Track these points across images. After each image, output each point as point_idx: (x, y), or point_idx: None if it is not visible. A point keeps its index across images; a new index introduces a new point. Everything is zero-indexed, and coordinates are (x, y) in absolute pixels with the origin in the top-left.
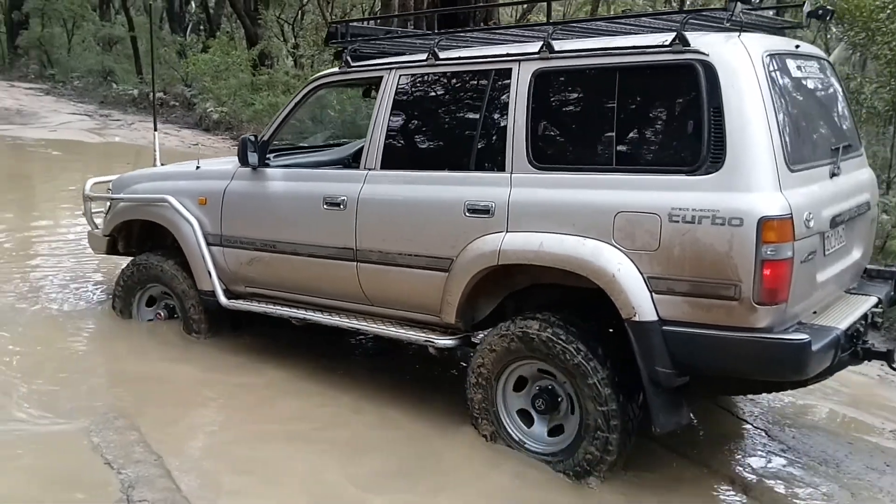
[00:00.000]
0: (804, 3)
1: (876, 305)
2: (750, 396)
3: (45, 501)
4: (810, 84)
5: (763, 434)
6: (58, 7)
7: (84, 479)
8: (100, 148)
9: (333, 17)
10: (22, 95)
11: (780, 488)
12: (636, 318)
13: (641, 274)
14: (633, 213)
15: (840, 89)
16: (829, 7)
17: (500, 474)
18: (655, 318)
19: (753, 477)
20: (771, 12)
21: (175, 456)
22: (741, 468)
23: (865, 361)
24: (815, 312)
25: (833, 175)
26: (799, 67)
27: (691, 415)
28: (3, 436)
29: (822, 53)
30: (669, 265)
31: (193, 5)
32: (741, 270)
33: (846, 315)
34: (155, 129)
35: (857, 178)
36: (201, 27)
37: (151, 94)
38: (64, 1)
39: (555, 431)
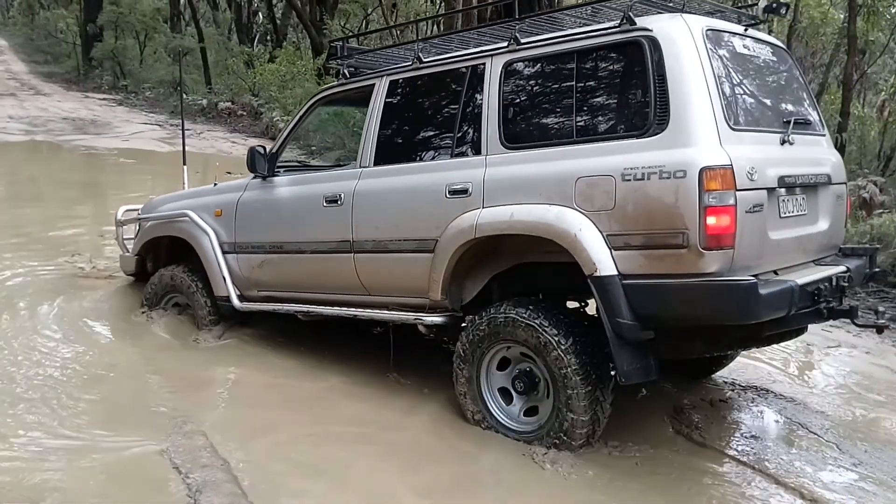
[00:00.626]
0: (757, 1)
1: (844, 273)
2: (819, 408)
3: None
4: (759, 63)
5: (835, 448)
6: (131, 20)
7: (152, 484)
8: (170, 157)
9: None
10: (96, 106)
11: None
12: (598, 274)
13: (601, 232)
14: (591, 176)
15: (798, 75)
16: (782, 2)
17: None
18: (615, 272)
19: (825, 492)
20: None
21: (240, 460)
22: (812, 482)
23: (830, 319)
24: (775, 272)
25: (784, 143)
26: (746, 47)
27: (716, 400)
28: (73, 441)
29: (778, 43)
30: (625, 221)
31: (261, 16)
32: (687, 218)
33: (806, 275)
34: (184, 164)
35: (815, 152)
36: (268, 38)
37: (181, 127)
38: (137, 13)
39: (530, 412)
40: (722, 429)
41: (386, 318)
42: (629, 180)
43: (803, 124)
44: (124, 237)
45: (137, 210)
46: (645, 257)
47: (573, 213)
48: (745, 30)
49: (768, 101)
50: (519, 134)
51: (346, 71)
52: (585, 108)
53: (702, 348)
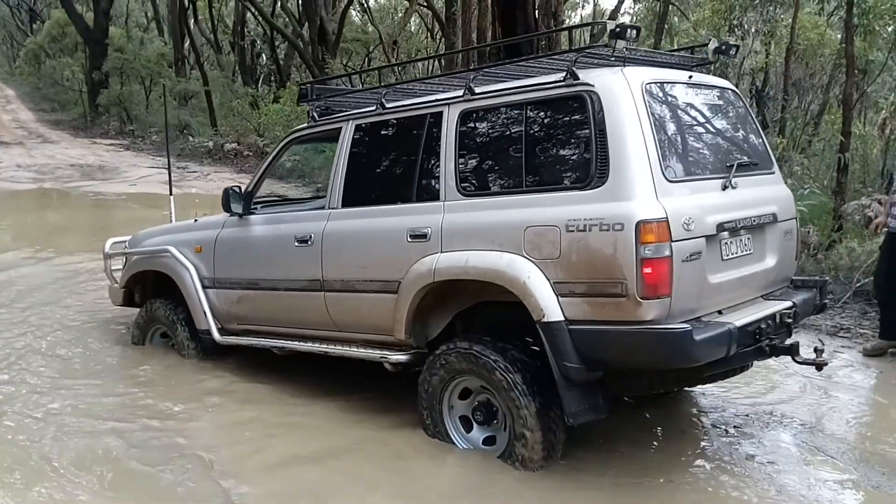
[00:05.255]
0: (709, 42)
1: (789, 309)
2: (834, 432)
3: None
4: (704, 108)
5: (853, 471)
6: (135, 65)
7: None
8: (177, 200)
9: (399, 62)
10: (103, 152)
11: None
12: (545, 319)
13: (548, 279)
14: (539, 226)
15: (747, 115)
16: (732, 43)
17: None
18: (562, 318)
19: None
20: (687, 50)
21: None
22: None
23: (773, 357)
24: (720, 312)
25: (725, 188)
26: (689, 94)
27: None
28: (96, 471)
29: (725, 83)
30: (569, 270)
31: (264, 57)
32: (625, 269)
33: (749, 315)
34: (171, 194)
35: (761, 192)
36: (272, 78)
37: (166, 158)
38: (141, 59)
39: (488, 441)
40: (737, 454)
41: (354, 355)
42: (573, 231)
43: (748, 166)
44: (112, 268)
45: (125, 243)
46: (589, 304)
47: (523, 261)
48: (690, 77)
49: (711, 147)
50: (474, 181)
51: (314, 113)
52: (534, 159)
53: (648, 387)
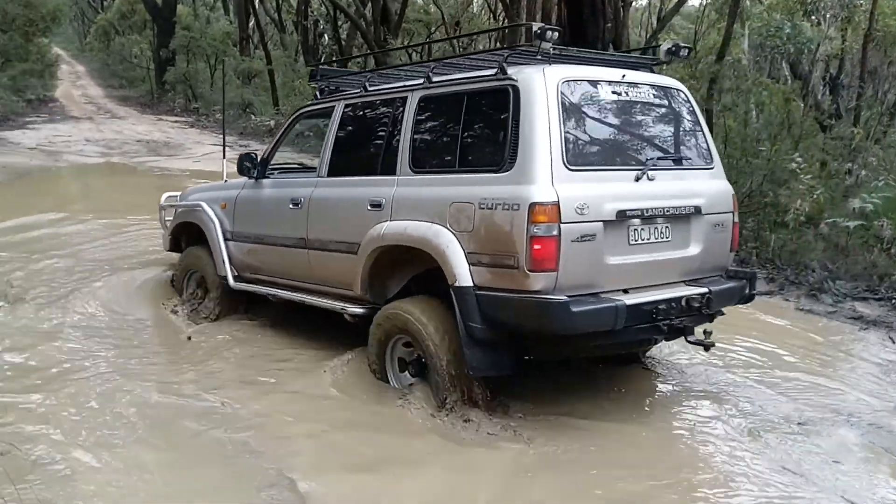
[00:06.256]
0: (660, 45)
1: (700, 295)
2: None
3: None
4: (634, 106)
5: None
6: (202, 44)
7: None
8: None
9: (461, 43)
10: (168, 128)
11: None
12: (457, 284)
13: (463, 250)
14: (460, 202)
15: (687, 113)
16: (683, 45)
17: None
18: (471, 283)
19: None
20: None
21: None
22: None
23: (671, 337)
24: (625, 291)
25: (639, 179)
26: (616, 92)
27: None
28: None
29: (671, 83)
30: (479, 242)
31: (326, 38)
32: (518, 245)
33: (650, 296)
34: (224, 157)
35: (685, 185)
36: (334, 58)
37: (222, 125)
38: (207, 38)
39: (417, 385)
40: (803, 451)
41: (322, 305)
42: (484, 208)
43: (676, 160)
44: (166, 218)
45: (176, 196)
46: (491, 273)
47: (445, 232)
48: (623, 76)
49: (631, 141)
50: (422, 160)
51: (317, 92)
52: (466, 142)
53: (551, 353)
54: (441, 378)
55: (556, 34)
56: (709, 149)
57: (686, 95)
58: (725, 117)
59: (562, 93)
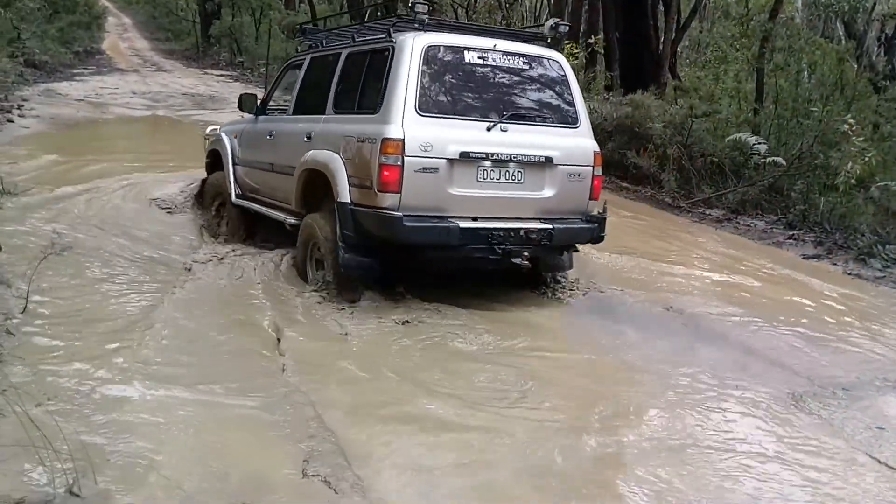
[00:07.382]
0: (544, 24)
1: (541, 231)
2: None
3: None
4: (495, 70)
5: None
6: None
7: (261, 454)
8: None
9: None
10: (214, 82)
11: None
12: (339, 200)
13: (346, 173)
14: (348, 137)
15: (555, 78)
16: (562, 23)
17: None
18: (348, 200)
19: None
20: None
21: (347, 433)
22: None
23: (509, 259)
24: (474, 219)
25: (490, 129)
26: (482, 58)
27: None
28: (181, 408)
29: (547, 53)
30: (354, 168)
31: None
32: (372, 170)
33: (487, 223)
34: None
35: (540, 139)
36: (378, 14)
37: (265, 79)
38: None
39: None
40: (846, 417)
41: (273, 216)
42: (360, 142)
43: (534, 118)
44: (207, 147)
45: (217, 129)
46: (359, 193)
47: (337, 159)
48: (494, 45)
49: (489, 98)
50: (339, 103)
51: (298, 47)
52: (362, 90)
53: (406, 259)
54: (329, 274)
55: (426, 7)
56: (576, 112)
57: (561, 65)
58: (777, 77)
59: (425, 54)
